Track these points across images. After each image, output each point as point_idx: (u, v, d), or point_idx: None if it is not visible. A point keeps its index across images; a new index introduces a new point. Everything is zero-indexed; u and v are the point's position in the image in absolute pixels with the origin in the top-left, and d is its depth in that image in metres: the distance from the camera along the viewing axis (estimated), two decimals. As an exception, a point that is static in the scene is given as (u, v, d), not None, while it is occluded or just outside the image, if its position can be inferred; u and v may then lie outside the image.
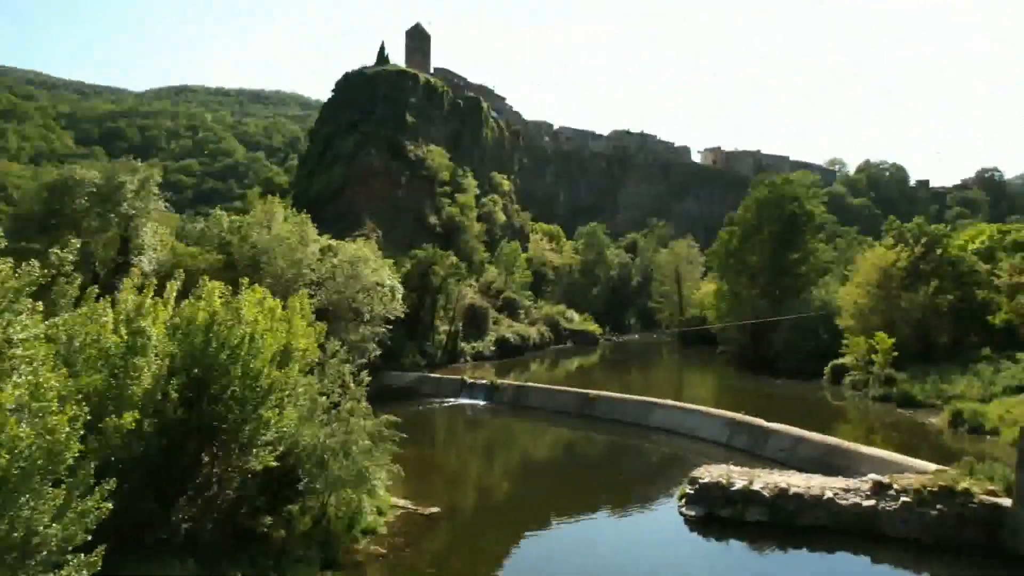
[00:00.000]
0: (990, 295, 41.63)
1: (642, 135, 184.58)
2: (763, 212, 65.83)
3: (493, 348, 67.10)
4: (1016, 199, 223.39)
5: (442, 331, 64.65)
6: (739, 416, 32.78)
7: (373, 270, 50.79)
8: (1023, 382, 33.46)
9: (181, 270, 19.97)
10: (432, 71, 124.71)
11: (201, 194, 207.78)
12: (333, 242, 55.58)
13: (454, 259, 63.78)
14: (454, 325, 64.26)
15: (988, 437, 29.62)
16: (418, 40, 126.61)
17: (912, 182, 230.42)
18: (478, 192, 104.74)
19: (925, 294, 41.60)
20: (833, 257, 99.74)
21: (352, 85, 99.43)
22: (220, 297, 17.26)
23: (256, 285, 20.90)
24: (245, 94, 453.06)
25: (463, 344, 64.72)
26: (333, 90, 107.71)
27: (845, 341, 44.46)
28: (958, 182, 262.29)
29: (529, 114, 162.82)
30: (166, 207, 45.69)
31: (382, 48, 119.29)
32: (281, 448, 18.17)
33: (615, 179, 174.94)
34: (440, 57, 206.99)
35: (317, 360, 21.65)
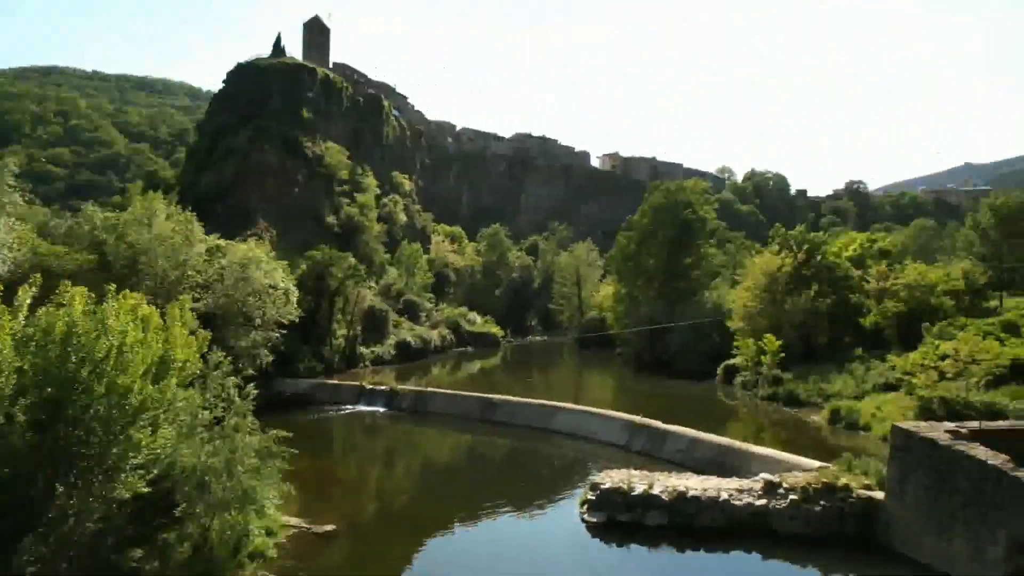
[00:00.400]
0: (861, 299, 44.92)
1: (543, 139, 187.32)
2: (659, 217, 68.02)
3: (393, 352, 65.49)
4: (879, 209, 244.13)
5: (340, 335, 62.37)
6: (638, 419, 33.39)
7: (265, 272, 48.22)
8: (889, 380, 36.09)
9: (38, 275, 17.72)
10: (331, 66, 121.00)
11: (75, 187, 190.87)
12: (222, 242, 52.38)
13: (352, 260, 61.74)
14: (352, 329, 62.17)
15: (862, 432, 31.70)
16: (316, 33, 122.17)
17: (792, 191, 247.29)
18: (379, 192, 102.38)
19: (807, 298, 44.25)
20: (723, 261, 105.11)
21: (245, 77, 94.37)
22: (84, 304, 15.39)
23: (128, 291, 18.99)
24: (127, 80, 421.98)
25: (362, 348, 62.74)
26: (224, 81, 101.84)
27: (736, 343, 46.56)
28: (831, 192, 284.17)
29: (431, 114, 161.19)
30: (27, 199, 41.30)
31: (278, 40, 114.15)
32: (155, 471, 16.51)
33: (517, 181, 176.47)
34: (340, 53, 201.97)
35: (199, 372, 19.98)
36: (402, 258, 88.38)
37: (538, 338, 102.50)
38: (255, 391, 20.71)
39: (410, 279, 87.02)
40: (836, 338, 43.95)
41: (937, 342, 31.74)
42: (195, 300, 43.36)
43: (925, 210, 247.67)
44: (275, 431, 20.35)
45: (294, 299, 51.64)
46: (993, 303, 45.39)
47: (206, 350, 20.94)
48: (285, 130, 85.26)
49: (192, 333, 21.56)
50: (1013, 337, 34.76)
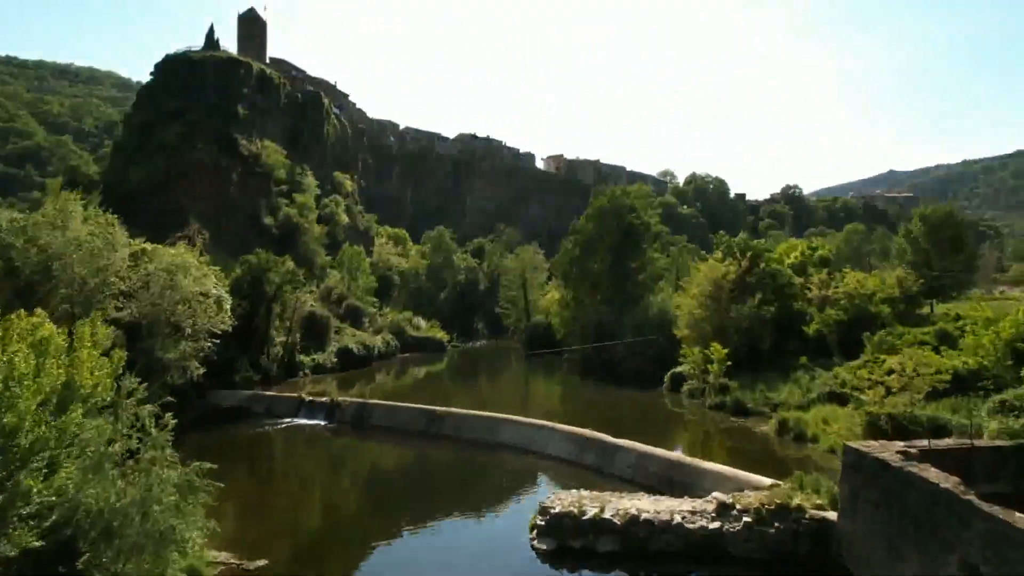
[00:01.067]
0: (804, 306, 45.58)
1: (489, 140, 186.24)
2: (604, 222, 67.88)
3: (335, 360, 63.09)
4: (814, 213, 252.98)
5: (278, 342, 59.74)
6: (587, 433, 32.64)
7: (196, 279, 45.51)
8: (834, 388, 36.46)
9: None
10: (268, 61, 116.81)
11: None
12: (149, 246, 49.30)
13: (291, 265, 59.21)
14: (292, 336, 59.64)
15: (810, 444, 31.76)
16: (252, 26, 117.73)
17: (731, 194, 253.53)
18: (319, 192, 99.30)
19: (751, 305, 44.52)
20: (667, 263, 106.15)
21: (175, 69, 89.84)
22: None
23: (23, 311, 16.92)
24: (47, 67, 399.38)
25: (302, 356, 60.25)
26: (153, 72, 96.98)
27: (683, 352, 46.55)
28: (768, 196, 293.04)
29: (374, 112, 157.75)
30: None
31: (211, 32, 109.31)
32: (53, 518, 14.60)
33: (462, 183, 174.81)
34: (277, 48, 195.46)
35: (110, 399, 18.05)
36: (344, 261, 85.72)
37: (485, 342, 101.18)
38: (173, 421, 18.76)
39: (353, 283, 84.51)
40: (780, 345, 44.35)
41: (882, 357, 32.13)
42: (118, 309, 40.65)
43: (856, 214, 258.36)
44: (197, 464, 18.50)
45: (227, 307, 49.02)
46: (925, 310, 46.76)
47: (121, 372, 19.09)
48: (219, 127, 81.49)
49: (106, 353, 19.62)
50: (948, 348, 35.59)
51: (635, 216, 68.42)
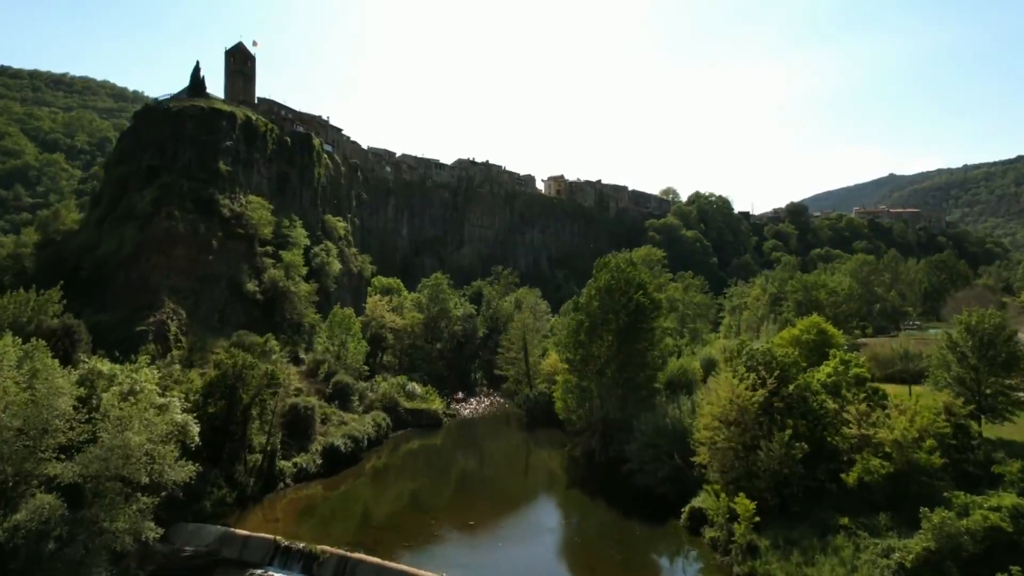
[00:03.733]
0: (841, 442, 40.62)
1: (487, 165, 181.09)
2: (610, 301, 62.91)
3: (319, 461, 57.78)
4: (819, 232, 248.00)
5: (257, 444, 54.60)
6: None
7: (157, 411, 40.42)
8: (883, 570, 31.48)
9: None
10: (256, 100, 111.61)
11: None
12: (104, 366, 44.28)
13: (268, 367, 53.97)
14: (272, 441, 54.43)
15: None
16: (240, 61, 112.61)
17: (735, 208, 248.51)
18: (308, 243, 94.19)
19: (780, 440, 39.52)
20: (675, 330, 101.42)
21: (154, 120, 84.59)
22: None
23: None
24: (42, 77, 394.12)
25: (283, 462, 55.04)
26: (132, 120, 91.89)
27: (705, 487, 41.64)
28: (771, 210, 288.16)
29: (370, 140, 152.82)
30: None
31: (196, 69, 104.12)
32: None
33: (459, 211, 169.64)
34: (268, 82, 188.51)
35: None
36: (333, 325, 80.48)
37: (483, 404, 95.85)
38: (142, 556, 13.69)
39: (342, 349, 79.37)
40: (815, 490, 39.33)
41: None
42: (60, 460, 35.52)
43: (861, 233, 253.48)
44: None
45: (194, 432, 43.97)
46: (975, 438, 41.77)
47: None
48: (197, 187, 76.18)
49: None
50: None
51: (642, 294, 63.41)
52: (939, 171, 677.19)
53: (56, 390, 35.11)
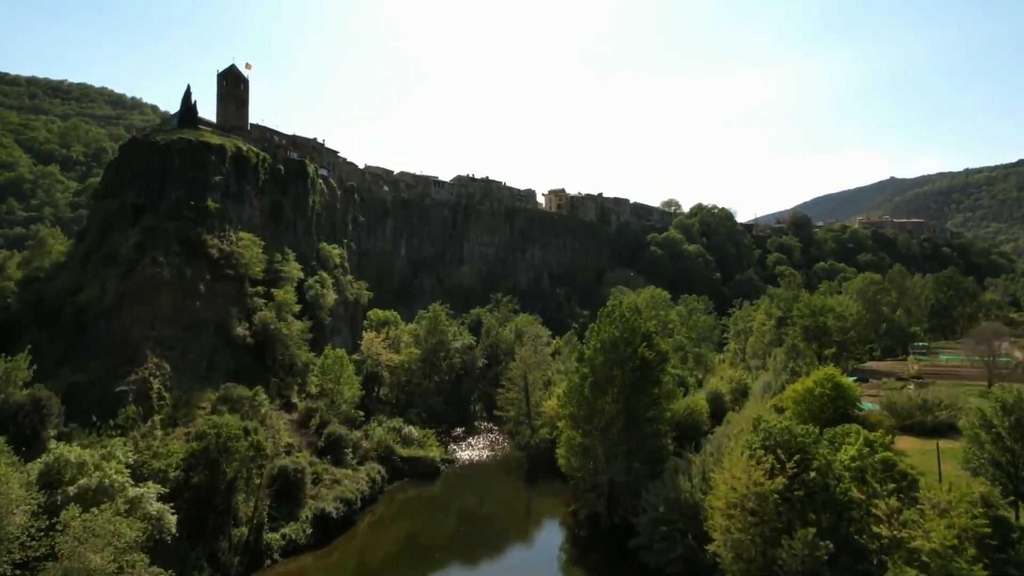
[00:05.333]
0: (870, 542, 37.55)
1: (487, 180, 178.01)
2: (615, 355, 59.88)
3: (310, 531, 54.61)
4: (823, 244, 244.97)
5: (243, 515, 51.52)
6: None
7: (128, 505, 37.42)
8: None
9: None
10: (249, 125, 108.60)
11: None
12: (72, 451, 41.11)
13: (256, 438, 50.85)
14: (258, 513, 51.36)
15: None
16: (233, 84, 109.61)
17: (737, 218, 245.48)
18: (302, 276, 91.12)
19: (803, 539, 36.47)
20: (680, 362, 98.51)
21: (140, 153, 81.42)
22: None
23: None
24: (39, 84, 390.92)
25: (270, 535, 51.93)
26: (119, 152, 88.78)
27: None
28: (775, 219, 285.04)
29: (368, 157, 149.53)
30: None
31: (187, 95, 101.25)
32: None
33: (459, 229, 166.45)
34: (263, 104, 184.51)
35: None
36: (327, 368, 77.35)
37: (484, 441, 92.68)
38: None
39: (336, 393, 76.26)
40: (842, 596, 36.30)
41: None
42: None
43: (864, 244, 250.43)
44: None
45: (171, 522, 40.99)
46: (1015, 531, 38.70)
47: None
48: (184, 229, 73.07)
49: None
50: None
51: (647, 347, 60.34)
52: (940, 175, 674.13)
53: (12, 502, 31.99)
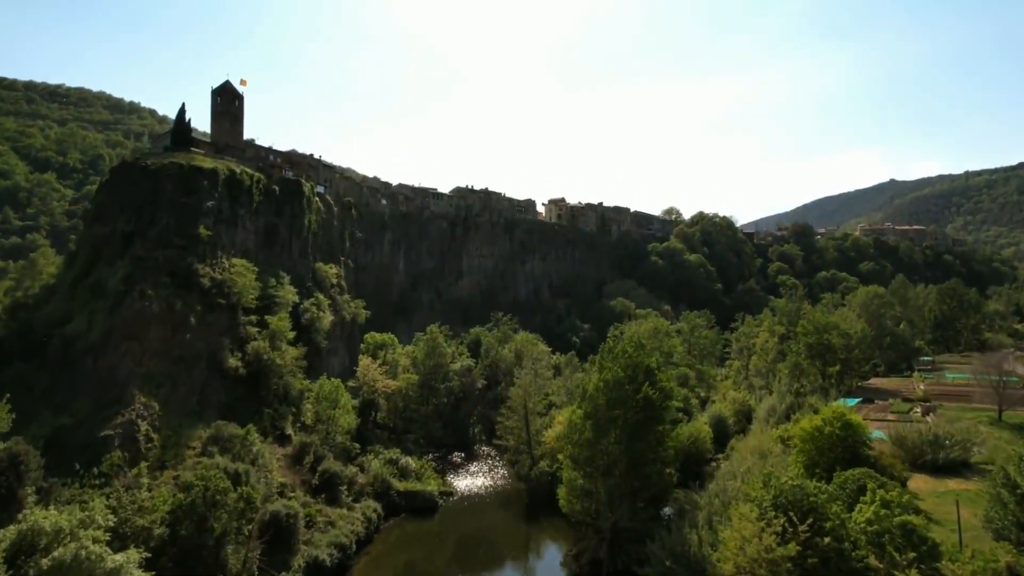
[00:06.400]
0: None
1: (486, 192, 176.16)
2: (617, 395, 58.01)
3: (302, 581, 52.82)
4: (824, 253, 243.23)
5: (232, 566, 49.61)
6: None
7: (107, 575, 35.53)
8: None
9: None
10: (243, 144, 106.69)
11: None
12: (47, 517, 39.05)
13: (245, 489, 48.97)
14: (248, 567, 49.44)
15: None
16: (228, 101, 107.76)
17: (738, 225, 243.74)
18: (297, 299, 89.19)
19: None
20: (685, 383, 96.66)
21: (131, 177, 79.38)
22: None
23: None
24: (37, 89, 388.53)
25: (260, 587, 50.08)
26: (110, 175, 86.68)
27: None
28: (776, 227, 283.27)
29: (366, 169, 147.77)
30: None
31: (181, 113, 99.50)
32: None
33: (458, 241, 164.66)
34: (258, 120, 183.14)
35: None
36: (321, 399, 75.48)
37: (483, 468, 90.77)
38: None
39: (331, 423, 74.48)
40: None
41: None
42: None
43: (866, 252, 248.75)
44: None
45: (154, 589, 39.11)
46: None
47: None
48: (175, 258, 71.05)
49: None
50: None
51: (651, 386, 58.49)
52: (940, 177, 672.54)
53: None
